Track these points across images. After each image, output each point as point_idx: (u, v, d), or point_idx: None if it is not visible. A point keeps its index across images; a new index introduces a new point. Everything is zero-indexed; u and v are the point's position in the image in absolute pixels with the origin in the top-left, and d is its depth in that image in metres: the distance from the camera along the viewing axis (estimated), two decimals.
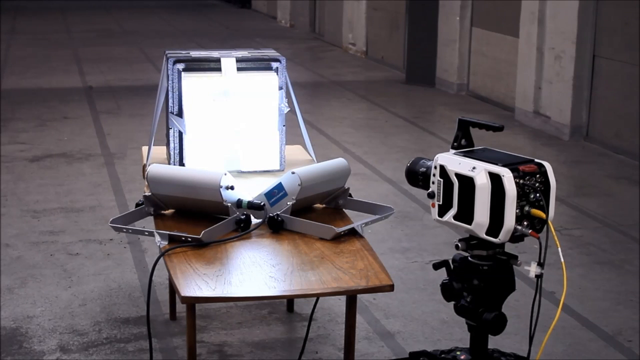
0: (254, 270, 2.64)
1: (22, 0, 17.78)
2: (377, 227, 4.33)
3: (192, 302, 2.52)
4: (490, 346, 2.59)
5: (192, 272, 2.59)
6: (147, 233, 2.89)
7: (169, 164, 3.39)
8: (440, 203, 2.47)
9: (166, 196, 3.02)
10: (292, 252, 2.77)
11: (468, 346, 2.60)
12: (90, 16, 16.09)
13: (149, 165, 3.22)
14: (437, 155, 2.49)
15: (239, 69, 3.33)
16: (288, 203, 2.92)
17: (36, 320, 3.80)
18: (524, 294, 3.47)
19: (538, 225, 2.37)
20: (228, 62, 3.33)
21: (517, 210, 2.32)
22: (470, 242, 2.47)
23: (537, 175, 2.37)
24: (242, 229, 2.88)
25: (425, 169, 2.55)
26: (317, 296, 2.80)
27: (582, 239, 4.94)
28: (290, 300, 3.89)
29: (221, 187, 2.88)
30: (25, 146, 6.80)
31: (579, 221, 5.24)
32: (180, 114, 3.31)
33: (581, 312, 3.98)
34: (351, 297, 2.76)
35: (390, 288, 2.58)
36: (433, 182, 2.48)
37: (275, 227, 2.90)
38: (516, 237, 2.37)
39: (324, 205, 3.19)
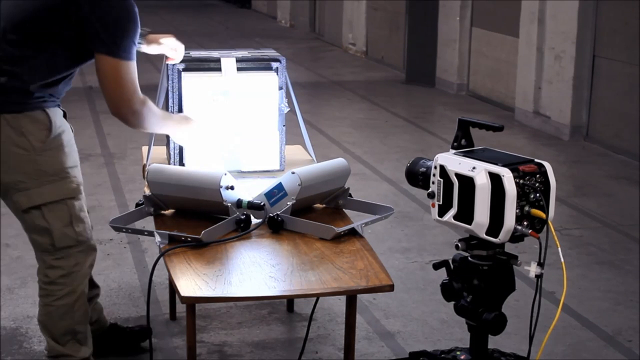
0: (254, 270, 2.64)
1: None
2: (377, 227, 4.32)
3: (192, 302, 2.52)
4: (490, 346, 2.59)
5: (192, 272, 2.59)
6: (147, 233, 2.90)
7: (169, 164, 3.39)
8: (440, 203, 2.47)
9: (166, 196, 3.02)
10: (292, 252, 2.77)
11: (468, 346, 2.61)
12: None
13: (149, 165, 3.22)
14: (437, 155, 2.49)
15: (239, 69, 3.33)
16: (288, 203, 2.92)
17: (36, 320, 3.79)
18: (524, 294, 3.47)
19: (538, 225, 2.38)
20: (228, 62, 3.33)
21: (517, 210, 2.32)
22: (470, 242, 2.47)
23: (537, 175, 2.38)
24: (242, 229, 2.88)
25: (425, 169, 2.56)
26: (317, 296, 2.80)
27: (582, 239, 4.94)
28: (290, 300, 3.89)
29: (221, 187, 2.88)
30: None
31: (579, 221, 5.24)
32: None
33: (581, 312, 3.98)
34: (351, 297, 2.76)
35: (390, 288, 2.58)
36: (433, 182, 2.48)
37: (275, 227, 2.90)
38: (516, 237, 2.37)
39: (324, 205, 3.19)
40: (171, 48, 3.24)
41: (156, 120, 3.00)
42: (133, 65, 2.87)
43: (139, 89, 2.90)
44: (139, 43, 3.00)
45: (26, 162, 2.81)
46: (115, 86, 2.84)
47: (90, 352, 3.10)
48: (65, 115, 3.00)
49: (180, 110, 3.31)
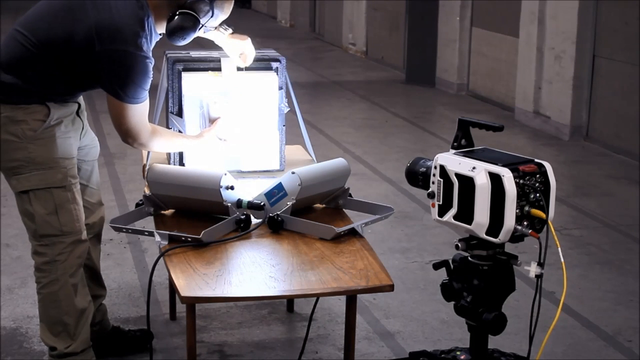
0: (254, 270, 2.64)
1: (22, 1, 17.79)
2: (377, 227, 4.32)
3: (192, 302, 2.52)
4: (490, 346, 2.59)
5: (192, 272, 2.59)
6: (147, 233, 2.90)
7: (169, 164, 3.39)
8: (440, 203, 2.47)
9: (166, 196, 3.02)
10: (292, 252, 2.77)
11: (468, 346, 2.61)
12: None
13: (149, 165, 3.22)
14: (437, 155, 2.49)
15: (239, 69, 3.33)
16: (288, 203, 2.92)
17: (36, 320, 3.79)
18: (524, 294, 3.47)
19: (538, 225, 2.38)
20: (228, 62, 3.33)
21: (517, 210, 2.32)
22: (470, 242, 2.47)
23: (537, 175, 2.38)
24: (242, 229, 2.88)
25: (425, 169, 2.56)
26: (317, 296, 2.80)
27: (582, 239, 4.94)
28: (290, 300, 3.89)
29: (221, 187, 2.88)
30: None
31: (579, 221, 5.24)
32: (180, 114, 3.31)
33: (581, 312, 3.98)
34: (351, 297, 2.76)
35: (390, 288, 2.58)
36: (433, 182, 2.48)
37: (275, 227, 2.90)
38: (516, 237, 2.37)
39: (324, 205, 3.19)
40: (246, 49, 3.28)
41: (166, 144, 3.14)
42: (141, 107, 2.94)
43: (146, 125, 2.98)
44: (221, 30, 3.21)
45: (19, 149, 2.93)
46: (121, 124, 2.95)
47: (82, 348, 3.11)
48: (79, 109, 3.09)
49: (180, 110, 3.31)
